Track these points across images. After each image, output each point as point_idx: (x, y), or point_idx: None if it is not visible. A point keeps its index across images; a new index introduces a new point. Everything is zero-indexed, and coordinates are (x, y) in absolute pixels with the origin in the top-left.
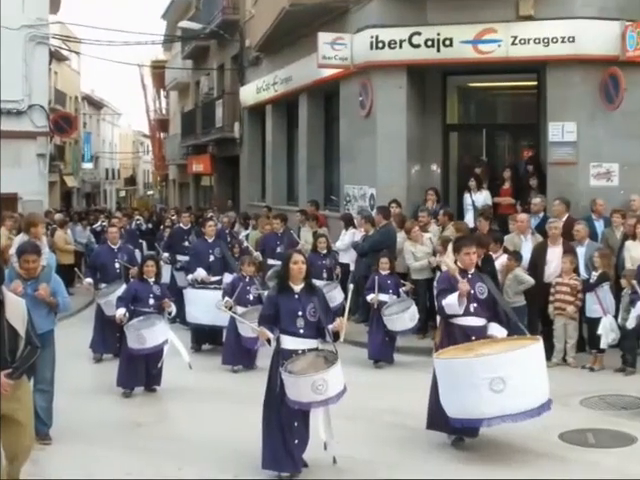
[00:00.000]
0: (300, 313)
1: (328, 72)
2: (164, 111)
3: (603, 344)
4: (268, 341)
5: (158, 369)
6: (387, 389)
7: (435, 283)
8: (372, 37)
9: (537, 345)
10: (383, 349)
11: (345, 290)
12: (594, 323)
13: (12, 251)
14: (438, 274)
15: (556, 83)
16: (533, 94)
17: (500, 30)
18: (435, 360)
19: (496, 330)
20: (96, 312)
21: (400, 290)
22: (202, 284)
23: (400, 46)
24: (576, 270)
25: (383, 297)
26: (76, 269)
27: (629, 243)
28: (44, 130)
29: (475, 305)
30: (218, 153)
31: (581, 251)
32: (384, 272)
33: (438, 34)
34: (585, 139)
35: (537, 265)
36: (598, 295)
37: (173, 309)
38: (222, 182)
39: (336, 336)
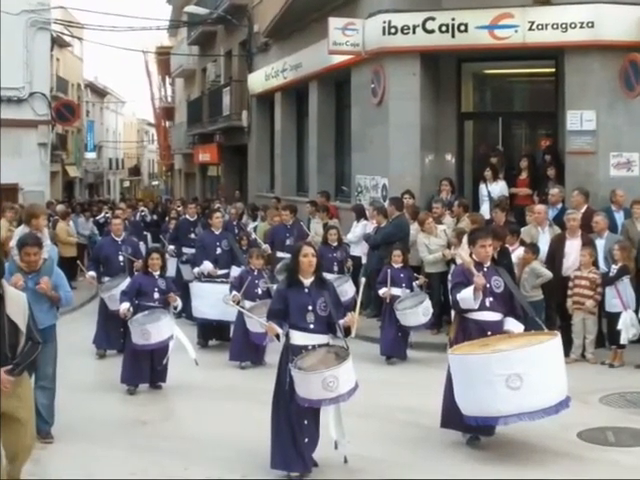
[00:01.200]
0: (310, 308)
1: (339, 59)
2: (169, 99)
3: (623, 339)
4: (277, 336)
5: (163, 365)
6: (400, 386)
7: (449, 277)
8: (384, 22)
9: (555, 341)
10: (396, 345)
11: (357, 284)
12: (614, 318)
13: (12, 243)
14: (452, 267)
15: (574, 70)
16: (551, 81)
17: (517, 15)
18: (449, 356)
19: (513, 325)
20: (99, 306)
21: (413, 284)
22: (209, 277)
23: (413, 32)
24: (595, 263)
25: (396, 291)
26: (79, 262)
27: None
28: (45, 118)
29: (491, 299)
30: (225, 142)
31: (600, 243)
32: (397, 265)
33: (453, 19)
34: (604, 128)
35: (555, 258)
36: (618, 289)
37: (179, 303)
38: (229, 172)
39: (347, 331)
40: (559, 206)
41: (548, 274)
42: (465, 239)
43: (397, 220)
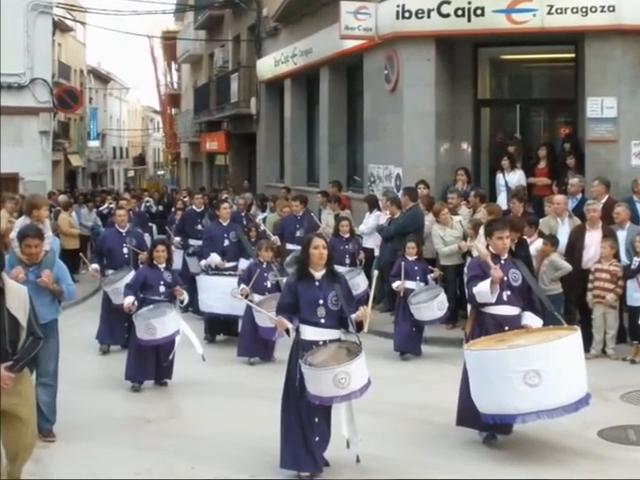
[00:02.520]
0: (321, 302)
1: (351, 44)
2: (175, 85)
3: None
4: (287, 331)
5: (169, 361)
6: (414, 383)
7: (465, 269)
8: (398, 6)
9: (574, 336)
10: (410, 340)
11: (369, 277)
12: (636, 312)
13: (13, 235)
14: (469, 260)
15: (595, 55)
16: (570, 67)
17: None
18: (465, 352)
19: (531, 320)
20: (103, 300)
21: (428, 277)
22: (216, 270)
23: (428, 15)
24: (616, 255)
25: (410, 284)
26: (81, 254)
27: None
28: (47, 106)
29: (508, 293)
30: (233, 130)
31: (622, 235)
32: (411, 258)
33: (469, 3)
34: (626, 115)
35: (575, 250)
36: None
37: (185, 297)
38: (238, 161)
39: (359, 326)
40: (579, 196)
41: (567, 267)
42: (482, 231)
43: (411, 211)
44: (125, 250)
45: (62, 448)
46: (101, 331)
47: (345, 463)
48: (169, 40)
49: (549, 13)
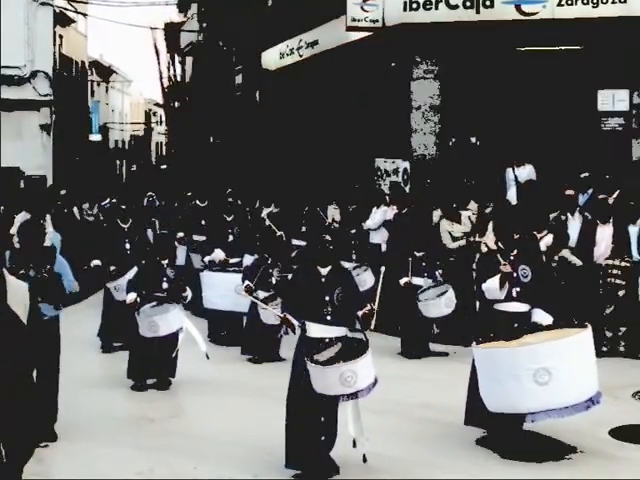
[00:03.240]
0: (327, 298)
1: (358, 35)
2: (179, 78)
3: None
4: (292, 328)
5: (172, 359)
6: (420, 381)
7: (474, 266)
8: None
9: (585, 333)
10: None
11: (376, 273)
12: None
13: (13, 231)
14: (478, 256)
15: (606, 47)
16: (581, 59)
17: None
18: (474, 349)
19: (541, 317)
20: (105, 297)
21: (436, 273)
22: (220, 266)
23: (436, 7)
24: (628, 251)
25: (417, 281)
26: None
27: None
28: (48, 99)
29: (518, 289)
30: (237, 123)
31: (634, 230)
32: (418, 254)
33: None
34: (638, 108)
35: (586, 246)
36: None
37: (189, 294)
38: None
39: (366, 323)
40: (590, 191)
41: (578, 263)
42: (491, 226)
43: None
44: (127, 246)
45: (63, 447)
46: (103, 328)
47: (351, 462)
48: (172, 32)
49: (559, 4)
